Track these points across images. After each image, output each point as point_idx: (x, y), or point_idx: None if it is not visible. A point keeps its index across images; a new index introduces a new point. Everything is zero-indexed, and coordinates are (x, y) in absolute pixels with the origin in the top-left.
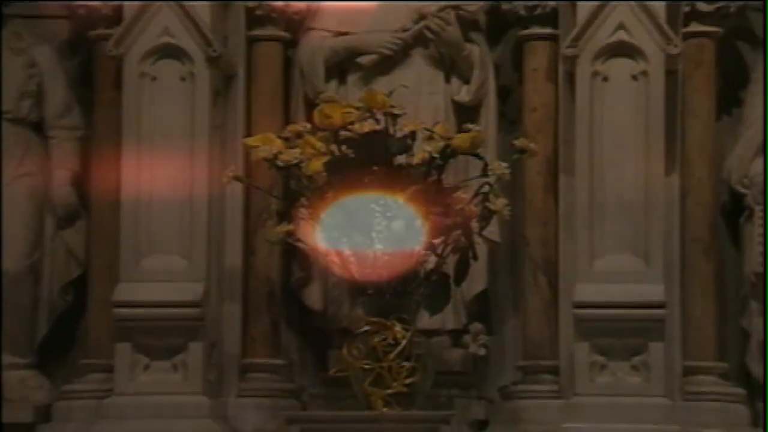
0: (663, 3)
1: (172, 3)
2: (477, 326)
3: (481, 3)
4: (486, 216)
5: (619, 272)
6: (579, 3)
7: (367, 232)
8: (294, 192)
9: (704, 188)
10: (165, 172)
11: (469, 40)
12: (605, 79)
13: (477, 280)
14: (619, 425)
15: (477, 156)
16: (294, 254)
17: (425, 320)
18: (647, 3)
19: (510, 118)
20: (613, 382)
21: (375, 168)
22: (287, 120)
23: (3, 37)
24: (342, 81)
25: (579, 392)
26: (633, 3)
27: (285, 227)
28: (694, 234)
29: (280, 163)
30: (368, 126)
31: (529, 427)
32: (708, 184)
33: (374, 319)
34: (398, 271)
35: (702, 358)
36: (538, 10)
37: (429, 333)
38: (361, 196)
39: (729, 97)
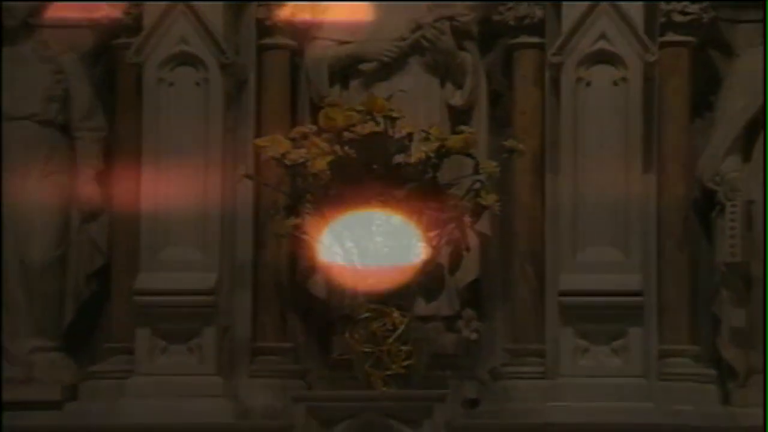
0: (641, 12)
1: (188, 13)
2: (469, 313)
3: (474, 14)
4: (478, 211)
5: (600, 263)
6: (564, 8)
7: (367, 227)
8: (300, 189)
9: (679, 185)
10: (181, 170)
11: (462, 48)
12: (588, 84)
13: (469, 270)
14: (600, 403)
15: (469, 155)
16: (300, 246)
17: (421, 307)
18: (626, 11)
19: (500, 121)
20: (595, 364)
21: (375, 167)
22: (294, 122)
23: (31, 46)
24: (345, 86)
25: (563, 373)
26: (614, 14)
27: (292, 221)
28: (669, 228)
29: (287, 162)
30: (369, 128)
31: (516, 405)
32: (682, 181)
33: (374, 306)
34: (396, 263)
35: (676, 341)
36: (527, 21)
37: (425, 319)
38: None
39: (702, 102)
